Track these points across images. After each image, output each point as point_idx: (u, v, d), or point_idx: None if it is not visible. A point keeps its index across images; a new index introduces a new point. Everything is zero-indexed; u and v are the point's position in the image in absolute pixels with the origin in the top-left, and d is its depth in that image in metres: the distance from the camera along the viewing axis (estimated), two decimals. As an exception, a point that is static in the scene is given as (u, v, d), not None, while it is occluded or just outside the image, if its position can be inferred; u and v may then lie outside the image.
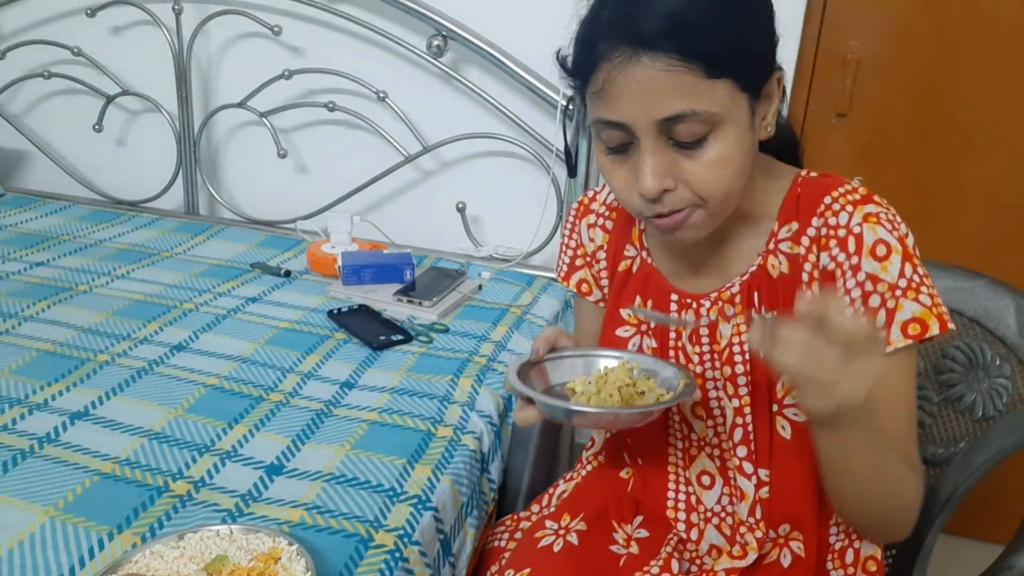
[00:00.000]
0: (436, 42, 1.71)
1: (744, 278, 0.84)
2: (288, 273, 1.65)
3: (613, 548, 0.91)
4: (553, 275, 1.72)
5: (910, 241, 0.77)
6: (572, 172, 1.63)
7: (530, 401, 0.81)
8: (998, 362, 1.00)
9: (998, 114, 1.60)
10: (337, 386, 1.21)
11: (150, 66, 1.99)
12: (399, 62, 1.81)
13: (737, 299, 0.84)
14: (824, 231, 0.79)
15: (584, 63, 0.73)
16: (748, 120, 0.73)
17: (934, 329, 0.75)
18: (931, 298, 0.76)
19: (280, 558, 0.78)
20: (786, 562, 0.87)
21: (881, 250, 0.76)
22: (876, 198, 0.79)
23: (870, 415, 0.70)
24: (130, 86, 2.02)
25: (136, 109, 2.08)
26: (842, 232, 0.77)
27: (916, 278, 0.76)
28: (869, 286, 0.76)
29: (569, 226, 1.00)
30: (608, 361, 0.87)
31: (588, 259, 0.99)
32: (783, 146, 0.88)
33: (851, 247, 0.77)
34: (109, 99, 2.03)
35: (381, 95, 1.79)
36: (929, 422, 1.06)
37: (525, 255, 1.77)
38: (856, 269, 0.77)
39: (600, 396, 0.81)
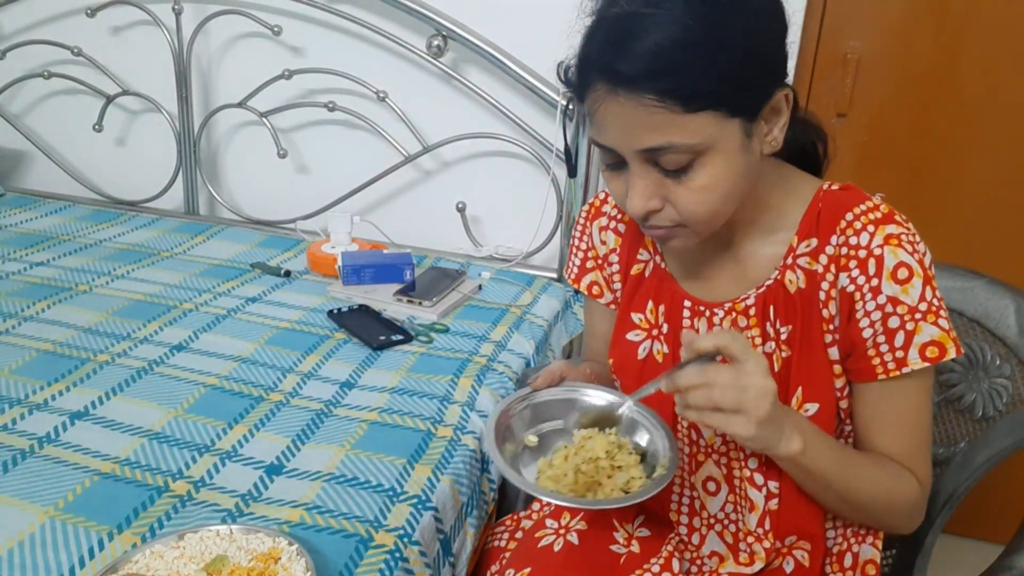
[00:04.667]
0: (436, 42, 1.70)
1: (760, 291, 0.84)
2: (288, 273, 1.65)
3: (614, 548, 0.91)
4: (553, 275, 1.73)
5: (928, 261, 0.77)
6: (572, 172, 1.63)
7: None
8: (998, 362, 1.00)
9: (998, 114, 1.60)
10: (337, 386, 1.21)
11: (150, 66, 1.99)
12: (399, 62, 1.81)
13: (752, 311, 0.84)
14: (844, 250, 0.79)
15: (577, 85, 0.76)
16: (739, 143, 0.73)
17: (951, 353, 0.77)
18: (948, 321, 0.77)
19: (280, 558, 0.78)
20: (789, 569, 0.87)
21: (903, 273, 0.76)
22: (897, 217, 0.78)
23: (815, 440, 0.76)
24: (130, 86, 2.02)
25: (136, 109, 2.08)
26: (863, 253, 0.77)
27: (935, 302, 0.77)
28: (889, 308, 0.77)
29: (580, 228, 0.99)
30: (598, 418, 0.87)
31: (600, 262, 0.98)
32: (800, 153, 0.88)
33: (871, 269, 0.77)
34: (109, 99, 2.03)
35: (381, 95, 1.79)
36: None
37: (525, 255, 1.77)
38: (876, 291, 0.77)
39: (555, 470, 0.81)
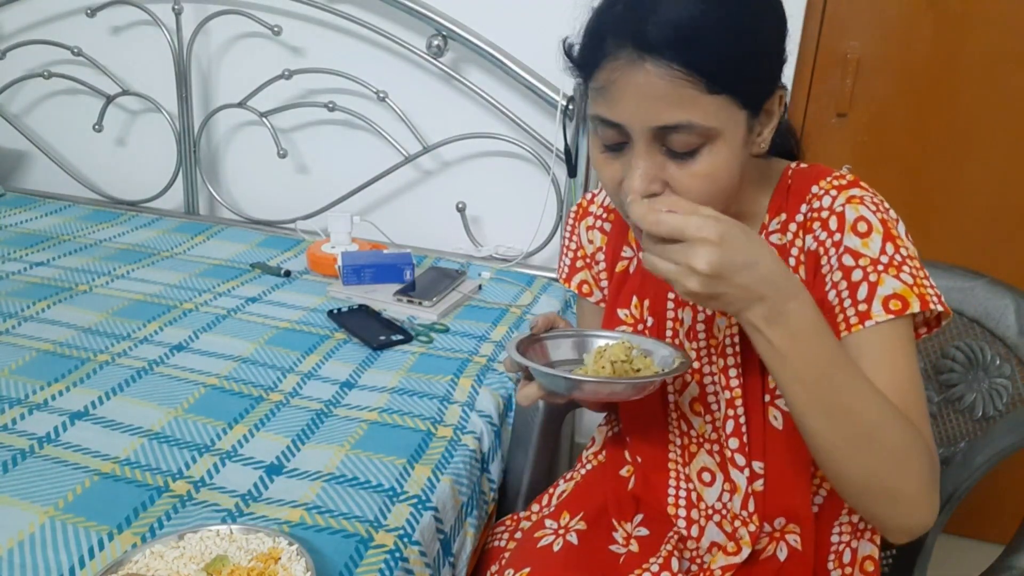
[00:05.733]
0: (436, 42, 1.71)
1: None
2: (288, 273, 1.65)
3: (613, 547, 0.91)
4: (553, 275, 1.73)
5: (897, 225, 0.78)
6: (572, 172, 1.63)
7: (530, 378, 0.80)
8: (998, 362, 1.00)
9: (998, 114, 1.60)
10: (337, 386, 1.21)
11: (150, 66, 1.99)
12: (399, 62, 1.81)
13: None
14: (811, 215, 0.80)
15: (590, 57, 0.72)
16: (743, 137, 0.72)
17: (915, 306, 0.74)
18: (913, 277, 0.75)
19: (280, 558, 0.78)
20: (782, 556, 0.87)
21: (862, 227, 0.76)
22: (862, 184, 0.80)
23: (810, 326, 0.66)
24: (130, 86, 2.02)
25: (136, 109, 2.08)
26: (825, 214, 0.79)
27: (898, 257, 0.76)
28: (849, 260, 0.76)
29: (569, 228, 1.01)
30: (606, 340, 0.87)
31: (588, 261, 0.99)
32: (780, 149, 0.88)
33: (833, 225, 0.78)
34: (109, 99, 2.03)
35: (381, 95, 1.79)
36: (929, 422, 1.06)
37: (525, 255, 1.77)
38: (838, 245, 0.78)
39: (594, 368, 0.81)
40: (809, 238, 0.80)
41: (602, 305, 1.00)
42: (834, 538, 0.89)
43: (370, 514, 0.92)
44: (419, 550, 0.91)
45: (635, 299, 0.93)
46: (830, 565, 0.89)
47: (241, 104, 1.90)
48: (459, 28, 1.68)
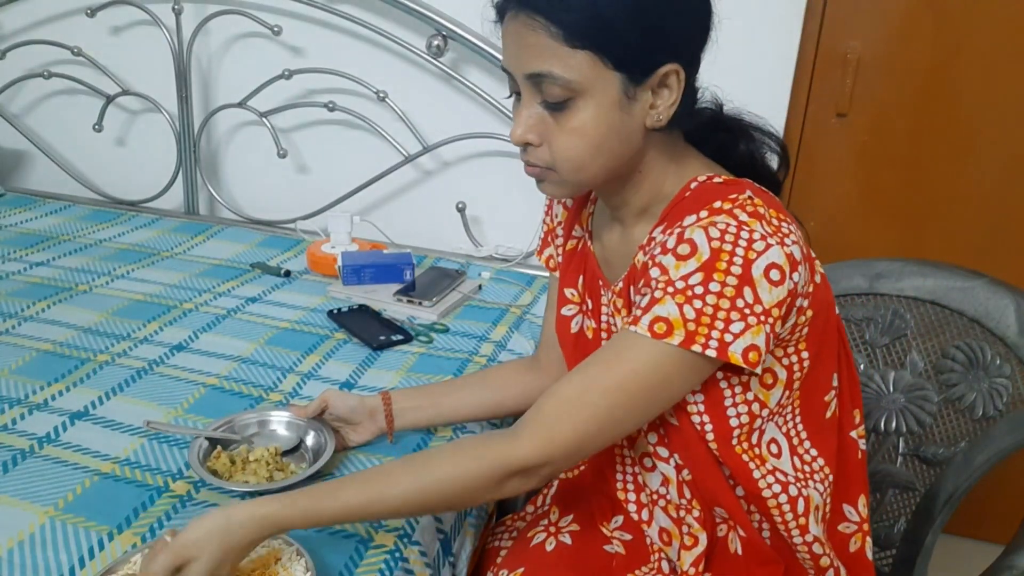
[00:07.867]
0: (436, 42, 1.71)
1: (626, 272, 0.84)
2: (288, 273, 1.65)
3: (607, 547, 0.91)
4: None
5: (739, 264, 0.70)
6: (572, 172, 1.63)
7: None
8: (998, 362, 1.01)
9: (998, 114, 1.60)
10: (337, 386, 1.21)
11: (150, 66, 1.99)
12: (399, 62, 1.81)
13: (622, 294, 0.85)
14: (676, 226, 0.76)
15: (498, 13, 0.80)
16: (616, 99, 0.74)
17: (676, 338, 0.71)
18: (698, 314, 0.70)
19: (280, 558, 0.78)
20: (734, 547, 0.87)
21: (684, 249, 0.72)
22: (741, 215, 0.72)
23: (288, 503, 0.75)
24: (130, 86, 2.02)
25: (136, 109, 2.08)
26: (679, 230, 0.75)
27: (699, 289, 0.70)
28: (656, 272, 0.74)
29: (548, 203, 1.03)
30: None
31: (552, 235, 1.02)
32: (705, 135, 0.85)
33: (671, 243, 0.74)
34: (109, 99, 2.03)
35: (381, 95, 1.79)
36: (929, 422, 1.06)
37: (525, 255, 1.77)
38: (661, 255, 0.74)
39: (244, 474, 0.95)
40: (656, 247, 0.76)
41: None
42: (778, 521, 0.84)
43: (370, 514, 0.92)
44: (419, 550, 0.91)
45: (581, 279, 0.94)
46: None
47: (241, 104, 1.90)
48: (459, 28, 1.68)
